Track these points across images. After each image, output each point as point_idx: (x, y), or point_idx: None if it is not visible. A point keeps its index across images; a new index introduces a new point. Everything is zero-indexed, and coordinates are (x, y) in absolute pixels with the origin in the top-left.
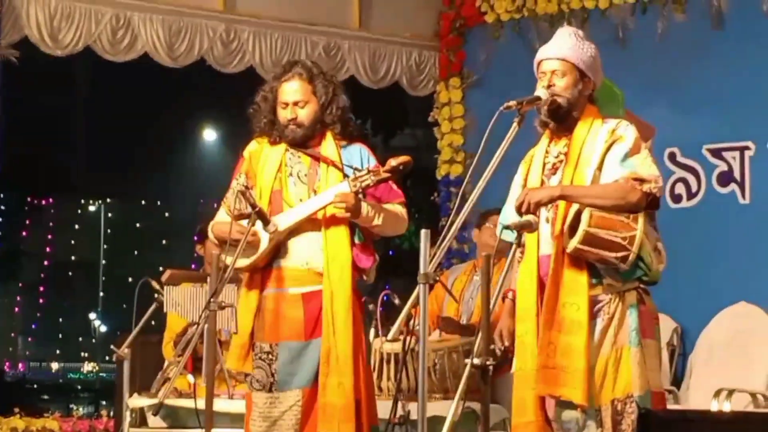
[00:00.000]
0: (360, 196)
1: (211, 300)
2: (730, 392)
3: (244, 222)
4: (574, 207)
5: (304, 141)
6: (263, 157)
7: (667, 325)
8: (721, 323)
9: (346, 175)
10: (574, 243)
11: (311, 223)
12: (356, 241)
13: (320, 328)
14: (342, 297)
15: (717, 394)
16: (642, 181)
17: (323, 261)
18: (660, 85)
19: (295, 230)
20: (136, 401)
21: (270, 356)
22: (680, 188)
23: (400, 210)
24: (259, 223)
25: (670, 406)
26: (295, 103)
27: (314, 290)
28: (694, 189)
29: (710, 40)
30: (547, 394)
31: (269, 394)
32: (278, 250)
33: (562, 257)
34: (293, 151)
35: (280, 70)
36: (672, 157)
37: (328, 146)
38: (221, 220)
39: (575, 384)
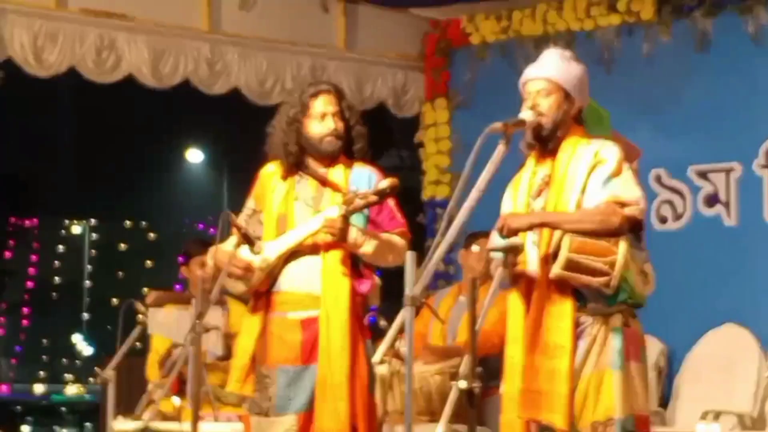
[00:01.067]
0: (350, 220)
1: (197, 322)
2: (717, 414)
3: (245, 248)
4: (559, 232)
5: (337, 155)
6: (274, 181)
7: (653, 347)
8: (707, 344)
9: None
10: (556, 269)
11: (310, 248)
12: (356, 265)
13: (317, 352)
14: (338, 322)
15: (704, 415)
16: (623, 204)
17: (321, 286)
18: (646, 106)
19: (294, 254)
20: (121, 424)
21: (268, 380)
22: (666, 210)
23: (397, 240)
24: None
25: (658, 428)
26: (334, 114)
27: (313, 315)
28: (680, 210)
29: (695, 62)
30: (529, 418)
31: (266, 418)
32: (278, 274)
33: (546, 281)
34: (302, 174)
35: (306, 87)
36: (658, 178)
37: (338, 171)
38: (225, 246)
39: (557, 408)
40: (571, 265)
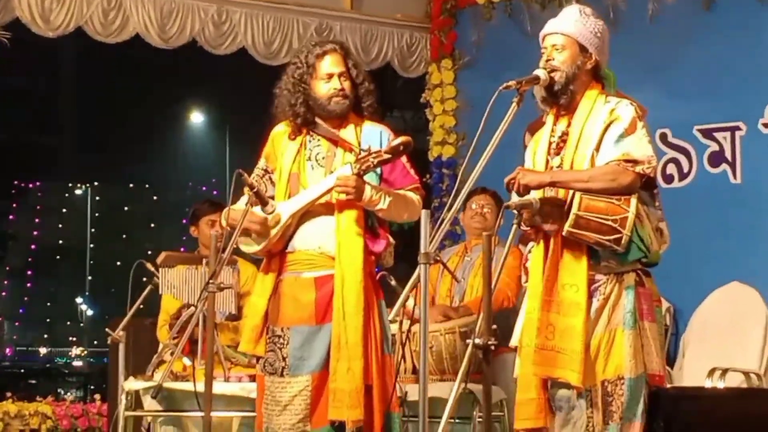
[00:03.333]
0: (364, 178)
1: (210, 282)
2: (724, 371)
3: (257, 208)
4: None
5: (345, 114)
6: (285, 140)
7: None
8: (713, 303)
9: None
10: (566, 227)
11: (324, 207)
12: (370, 225)
13: (332, 312)
14: (353, 281)
15: (710, 373)
16: (635, 162)
17: (335, 245)
18: (651, 66)
19: (308, 214)
20: (132, 384)
21: (281, 340)
22: (672, 169)
23: (412, 195)
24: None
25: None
26: (340, 75)
27: (327, 274)
28: (685, 169)
29: (701, 21)
30: (544, 376)
31: (281, 378)
32: (292, 234)
33: (561, 239)
34: (313, 134)
35: (311, 47)
36: (663, 137)
37: (349, 129)
38: (238, 207)
39: (572, 366)
40: (581, 224)
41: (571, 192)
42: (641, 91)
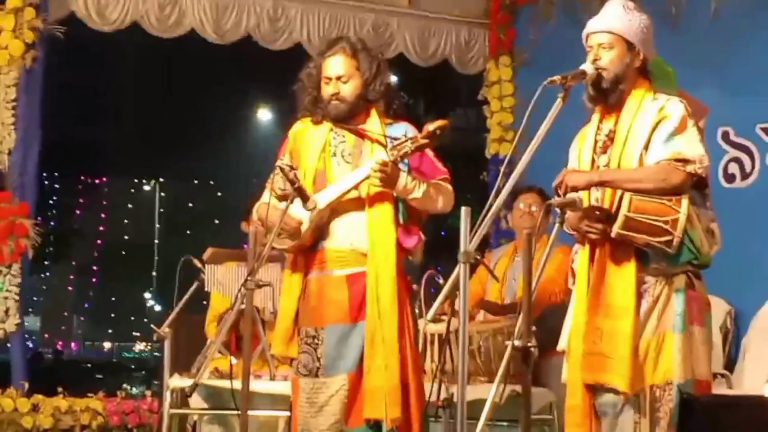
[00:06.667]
0: (400, 166)
1: (248, 279)
2: None
3: (296, 206)
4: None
5: (348, 117)
6: (308, 137)
7: (720, 308)
8: None
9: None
10: (615, 229)
11: (354, 203)
12: (401, 220)
13: (365, 310)
14: (387, 278)
15: None
16: (686, 161)
17: (368, 241)
18: (713, 63)
19: (337, 210)
20: (177, 381)
21: (315, 340)
22: (733, 168)
23: (444, 185)
24: (298, 202)
25: (724, 391)
26: (338, 78)
27: (359, 272)
28: (747, 168)
29: (763, 17)
30: (592, 381)
31: (315, 379)
32: (322, 231)
33: (608, 241)
34: (337, 130)
35: (325, 46)
36: (725, 136)
37: (373, 123)
38: (265, 201)
39: (620, 371)
40: (631, 225)
41: (619, 192)
42: (703, 89)
